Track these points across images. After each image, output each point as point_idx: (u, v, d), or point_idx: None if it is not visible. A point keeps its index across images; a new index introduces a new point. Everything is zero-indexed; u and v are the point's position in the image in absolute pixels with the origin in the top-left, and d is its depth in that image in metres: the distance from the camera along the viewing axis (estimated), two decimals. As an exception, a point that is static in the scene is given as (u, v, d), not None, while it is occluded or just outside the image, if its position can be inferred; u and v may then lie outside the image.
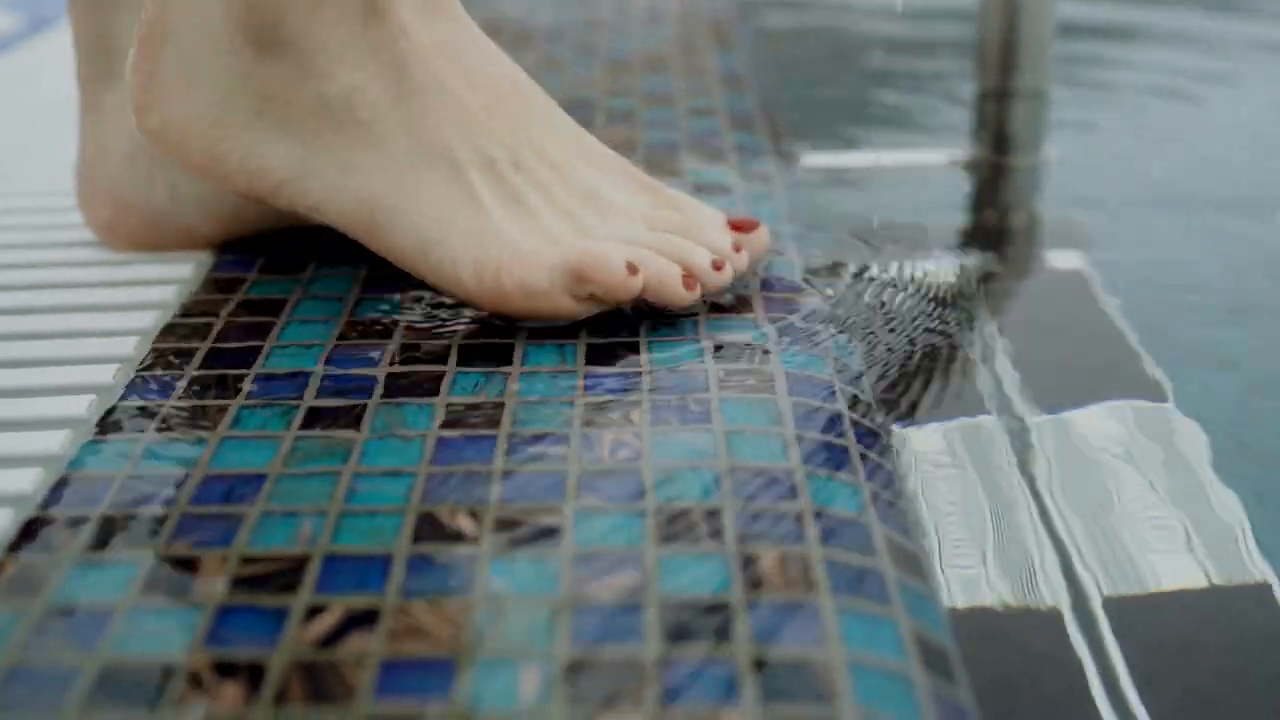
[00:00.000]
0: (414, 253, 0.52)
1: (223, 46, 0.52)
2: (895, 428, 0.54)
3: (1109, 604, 0.44)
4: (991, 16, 0.90)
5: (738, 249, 0.57)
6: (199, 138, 0.53)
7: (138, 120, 0.54)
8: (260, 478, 0.45)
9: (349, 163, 0.52)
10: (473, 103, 0.53)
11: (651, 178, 0.61)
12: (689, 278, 0.54)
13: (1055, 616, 0.43)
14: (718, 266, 0.55)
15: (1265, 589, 0.45)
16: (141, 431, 0.47)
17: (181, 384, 0.51)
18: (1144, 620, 0.43)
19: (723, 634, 0.37)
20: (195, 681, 0.35)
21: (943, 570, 0.45)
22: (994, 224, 0.76)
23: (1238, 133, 0.89)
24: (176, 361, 0.53)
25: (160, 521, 0.42)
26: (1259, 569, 0.46)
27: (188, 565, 0.40)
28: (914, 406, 0.56)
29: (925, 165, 0.83)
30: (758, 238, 0.58)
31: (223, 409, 0.49)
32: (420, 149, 0.52)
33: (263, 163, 0.53)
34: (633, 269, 0.52)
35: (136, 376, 0.51)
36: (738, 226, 0.59)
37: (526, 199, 0.53)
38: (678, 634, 0.37)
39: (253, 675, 0.35)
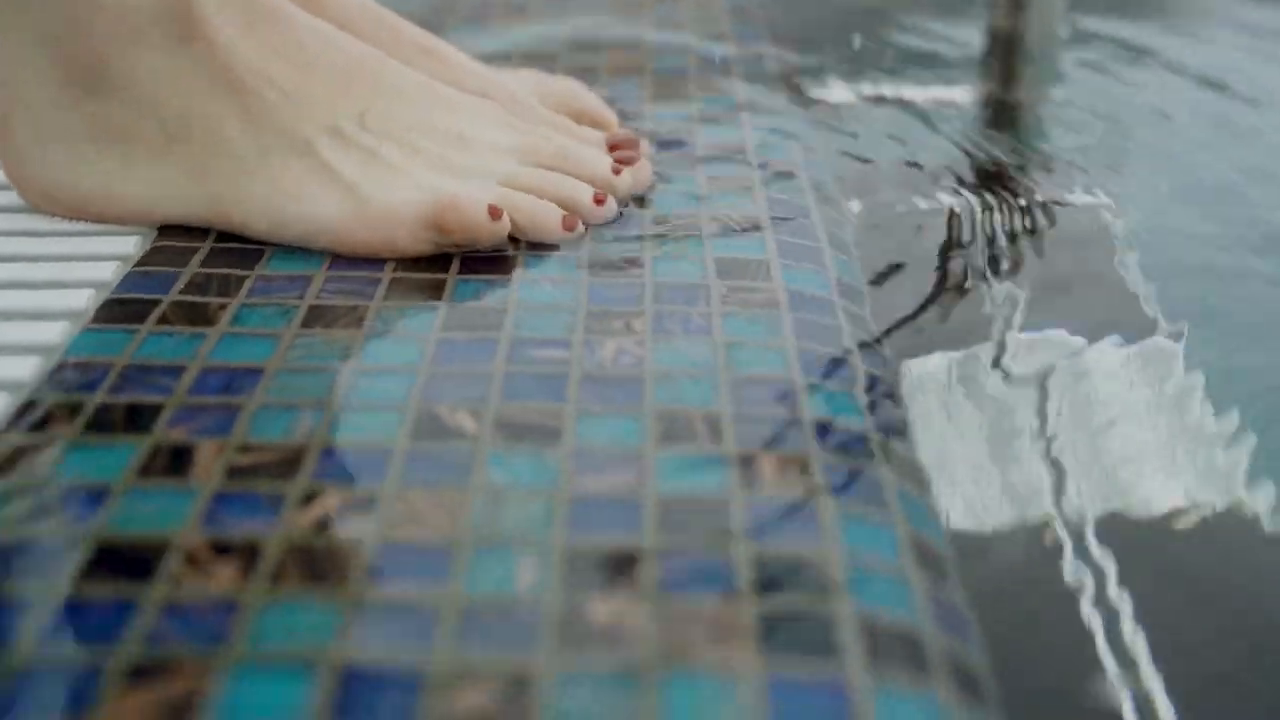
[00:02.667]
0: (277, 232, 0.53)
1: (60, 100, 0.53)
2: (896, 347, 0.54)
3: (1100, 526, 0.44)
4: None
5: (618, 172, 0.57)
6: (69, 191, 0.54)
7: (21, 195, 0.55)
8: (259, 372, 0.44)
9: (199, 173, 0.53)
10: (309, 89, 0.53)
11: (539, 106, 0.62)
12: (569, 216, 0.54)
13: (1050, 536, 0.43)
14: (599, 200, 0.55)
15: (1255, 521, 0.45)
16: (140, 322, 0.47)
17: (182, 280, 0.50)
18: (1134, 544, 0.43)
19: (721, 530, 0.37)
20: (191, 560, 0.35)
21: (939, 482, 0.45)
22: (1004, 160, 0.76)
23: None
24: (178, 259, 0.52)
25: (157, 409, 0.42)
26: (1249, 500, 0.46)
27: (185, 452, 0.40)
28: (916, 330, 0.56)
29: (936, 100, 0.83)
30: (640, 169, 0.59)
31: (223, 306, 0.49)
32: (263, 142, 0.52)
33: (124, 198, 0.54)
34: (495, 212, 0.52)
35: (136, 271, 0.51)
36: (616, 146, 0.60)
37: (383, 154, 0.53)
38: (675, 527, 0.37)
39: (248, 556, 0.35)
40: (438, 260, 0.53)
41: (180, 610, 0.33)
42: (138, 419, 0.41)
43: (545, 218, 0.54)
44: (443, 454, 0.40)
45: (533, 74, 0.68)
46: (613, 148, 0.61)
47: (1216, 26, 1.02)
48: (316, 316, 0.48)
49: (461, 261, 0.53)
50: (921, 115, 0.80)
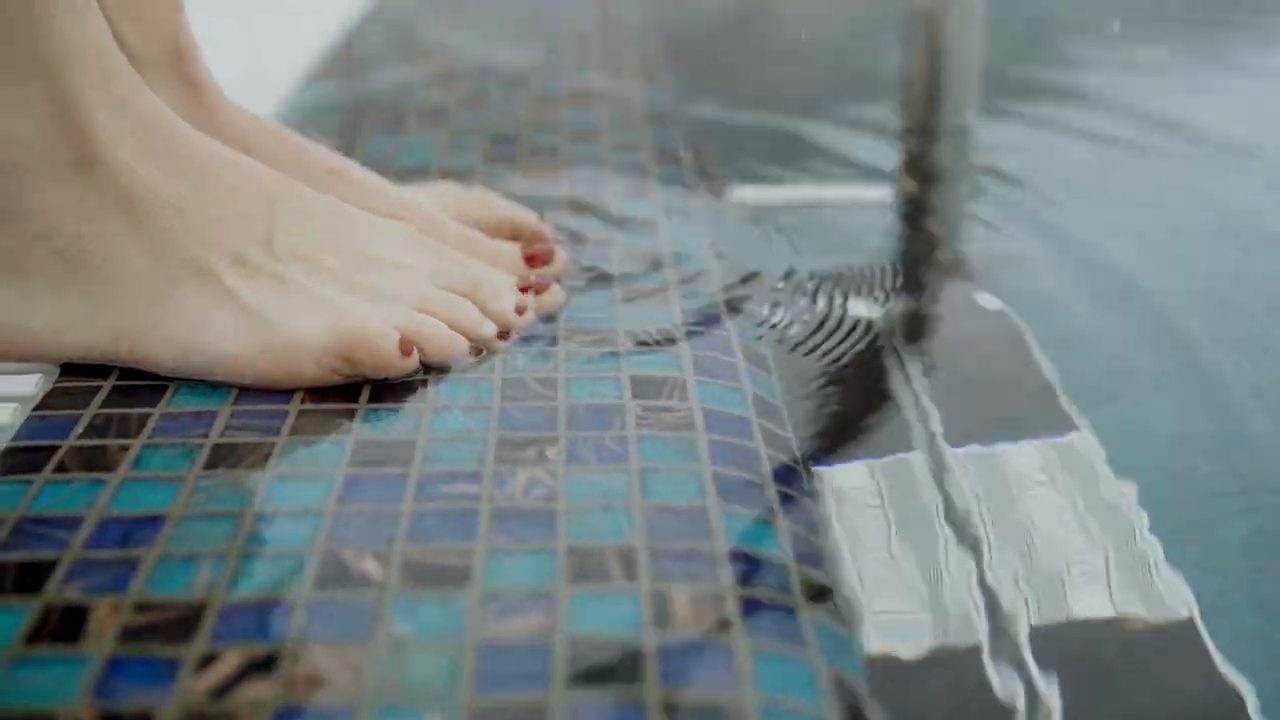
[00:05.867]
0: (175, 364, 0.52)
1: None
2: (816, 465, 0.53)
3: (1034, 636, 0.43)
4: (916, 54, 0.90)
5: (521, 311, 0.57)
6: None
7: None
8: (160, 519, 0.43)
9: (101, 304, 0.52)
10: (213, 214, 0.52)
11: (456, 225, 0.62)
12: (475, 345, 0.54)
13: (977, 652, 0.43)
14: (503, 336, 0.56)
15: (1188, 623, 0.44)
16: (36, 472, 0.46)
17: (82, 423, 0.49)
18: (1067, 651, 0.43)
19: (633, 675, 0.36)
20: (80, 734, 0.34)
21: (863, 610, 0.45)
22: (917, 260, 0.76)
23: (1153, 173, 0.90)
24: (78, 400, 0.51)
25: (51, 566, 0.40)
26: (1179, 599, 0.46)
27: (78, 613, 0.38)
28: (836, 442, 0.55)
29: (851, 200, 0.83)
30: (549, 296, 0.59)
31: (124, 448, 0.47)
32: (165, 270, 0.51)
33: (26, 334, 0.52)
34: (406, 347, 0.52)
35: (34, 415, 0.50)
36: (533, 259, 0.61)
37: (290, 278, 0.52)
38: (586, 676, 0.36)
39: (141, 727, 0.34)
40: (347, 389, 0.52)
41: (67, 792, 0.32)
42: (29, 578, 0.40)
43: (454, 348, 0.53)
44: (348, 604, 0.39)
45: (448, 187, 0.68)
46: (529, 259, 0.61)
47: (1118, 107, 1.03)
48: (221, 456, 0.47)
49: (371, 390, 0.52)
50: (839, 217, 0.80)
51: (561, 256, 0.62)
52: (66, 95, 0.50)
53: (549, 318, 0.58)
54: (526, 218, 0.66)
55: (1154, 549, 0.49)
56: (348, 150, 0.79)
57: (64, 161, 0.51)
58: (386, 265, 0.55)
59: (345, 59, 1.07)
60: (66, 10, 0.50)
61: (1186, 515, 0.52)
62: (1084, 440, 0.56)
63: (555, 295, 0.59)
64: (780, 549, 0.43)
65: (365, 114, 0.91)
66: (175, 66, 0.61)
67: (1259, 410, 0.59)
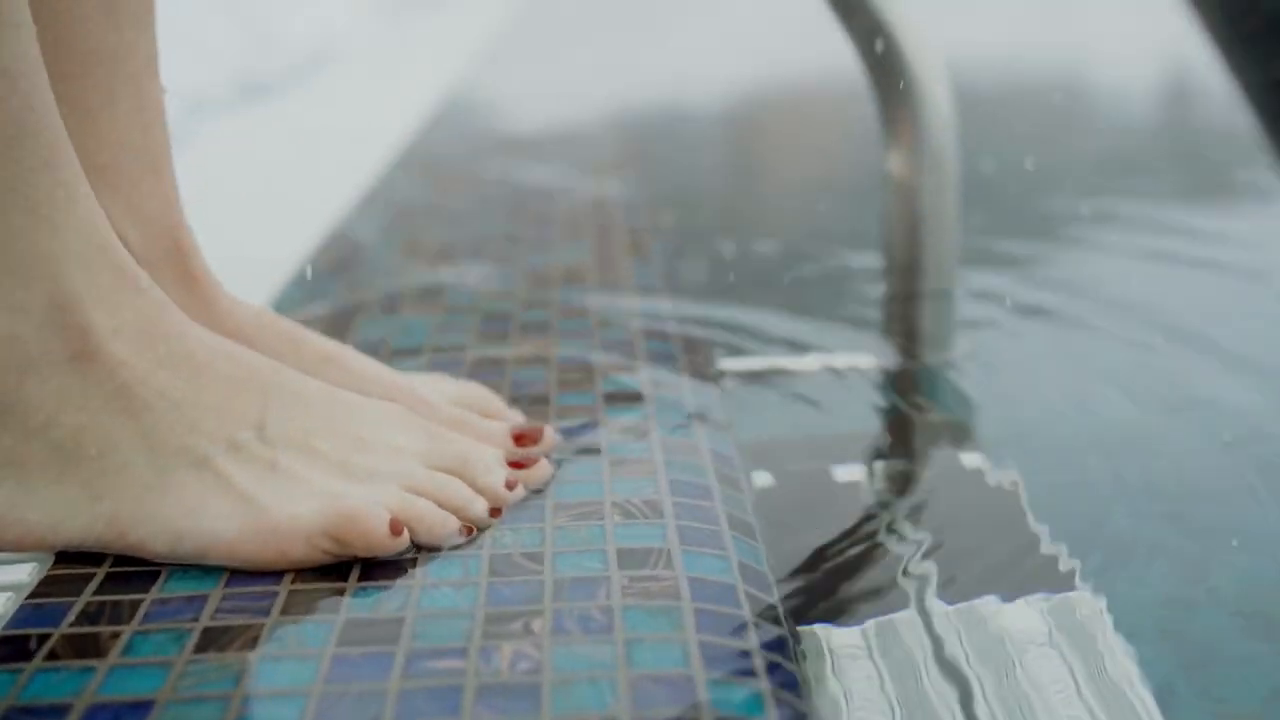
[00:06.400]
0: (168, 550, 0.53)
1: None
2: (807, 629, 0.54)
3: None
4: (895, 222, 0.93)
5: (511, 487, 0.58)
6: None
7: None
8: (148, 705, 0.43)
9: (94, 492, 0.53)
10: (208, 403, 0.54)
11: (449, 406, 0.63)
12: (466, 525, 0.55)
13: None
14: (494, 514, 0.56)
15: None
16: (28, 660, 0.46)
17: (74, 610, 0.50)
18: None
19: None
20: None
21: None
22: (905, 425, 0.77)
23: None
24: (71, 588, 0.51)
25: (39, 755, 0.41)
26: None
27: (65, 800, 0.39)
28: (825, 605, 0.56)
29: (835, 368, 0.84)
30: (538, 470, 0.60)
31: (116, 635, 0.48)
32: (160, 459, 0.53)
33: (22, 524, 0.53)
34: (396, 528, 0.52)
35: (27, 604, 0.50)
36: (521, 438, 0.61)
37: (282, 464, 0.53)
38: None
39: None
40: (337, 569, 0.52)
41: None
42: (16, 768, 0.40)
43: (444, 528, 0.54)
44: (332, 785, 0.39)
45: (441, 378, 0.69)
46: (517, 438, 0.62)
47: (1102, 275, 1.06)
48: (211, 640, 0.47)
49: (361, 568, 0.52)
50: (826, 382, 0.82)
51: (551, 435, 0.63)
52: (68, 294, 0.52)
53: (537, 491, 0.59)
54: (516, 419, 0.67)
55: (1152, 706, 0.49)
56: (341, 335, 0.81)
57: (62, 357, 0.53)
58: (379, 447, 0.56)
59: (339, 247, 1.10)
60: (68, 210, 0.52)
61: (1190, 667, 0.52)
62: (1081, 599, 0.56)
63: (544, 470, 0.60)
64: (765, 715, 0.43)
65: (359, 299, 0.93)
66: (175, 263, 0.63)
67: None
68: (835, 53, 1.01)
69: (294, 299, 0.92)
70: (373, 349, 0.73)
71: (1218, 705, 0.50)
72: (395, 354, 0.78)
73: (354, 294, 0.94)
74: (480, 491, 0.56)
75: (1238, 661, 0.53)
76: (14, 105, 0.50)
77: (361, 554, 0.52)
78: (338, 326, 0.83)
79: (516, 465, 0.59)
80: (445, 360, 0.77)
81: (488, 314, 0.88)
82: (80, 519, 0.53)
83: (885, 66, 0.88)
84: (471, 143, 1.70)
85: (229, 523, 0.52)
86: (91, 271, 0.53)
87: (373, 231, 1.16)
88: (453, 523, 0.54)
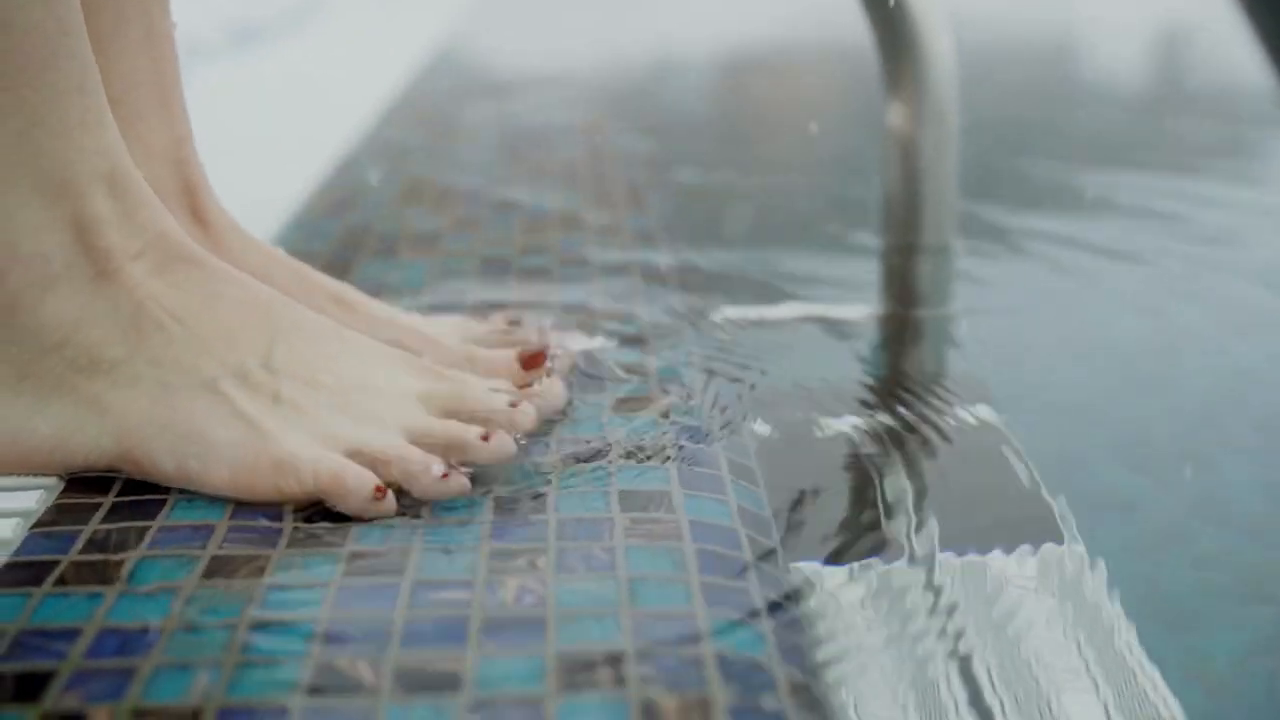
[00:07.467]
0: (174, 473, 0.53)
1: None
2: (805, 570, 0.54)
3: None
4: (893, 175, 0.93)
5: (515, 405, 0.57)
6: None
7: None
8: (157, 630, 0.44)
9: (102, 407, 0.53)
10: (216, 328, 0.54)
11: (457, 344, 0.63)
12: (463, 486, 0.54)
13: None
14: (485, 438, 0.55)
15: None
16: (37, 585, 0.47)
17: (82, 538, 0.50)
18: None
19: (621, 779, 0.36)
20: (78, 839, 0.34)
21: (854, 715, 0.45)
22: (902, 377, 0.78)
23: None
24: (80, 516, 0.52)
25: (49, 676, 0.41)
26: (1168, 708, 0.46)
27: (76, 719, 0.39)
28: (823, 549, 0.56)
29: (835, 319, 0.85)
30: (550, 390, 0.60)
31: (122, 561, 0.48)
32: (169, 379, 0.53)
33: (34, 435, 0.54)
34: (380, 492, 0.52)
35: (36, 531, 0.51)
36: (527, 361, 0.61)
37: (286, 395, 0.54)
38: (575, 780, 0.36)
39: (138, 831, 0.34)
40: (342, 505, 0.53)
41: None
42: (28, 688, 0.41)
43: (440, 487, 0.53)
44: (340, 711, 0.39)
45: (458, 320, 0.69)
46: (524, 362, 0.61)
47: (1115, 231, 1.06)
48: (218, 567, 0.48)
49: (366, 504, 0.53)
50: (823, 334, 0.82)
51: (559, 350, 0.62)
52: (92, 215, 0.53)
53: (544, 433, 0.59)
54: (538, 342, 0.66)
55: (1140, 657, 0.50)
56: (342, 276, 0.81)
57: (84, 276, 0.53)
58: (383, 389, 0.56)
59: (340, 189, 1.10)
60: (97, 134, 0.53)
61: (1174, 622, 0.53)
62: (1069, 548, 0.57)
63: (555, 389, 0.60)
64: (766, 653, 0.44)
65: (360, 242, 0.93)
66: (184, 199, 0.64)
67: (1259, 515, 0.60)
68: (834, 5, 1.01)
69: (290, 242, 0.92)
70: (373, 292, 0.73)
71: (1202, 663, 0.51)
72: (393, 295, 0.79)
73: (351, 237, 0.94)
74: (485, 422, 0.56)
75: (1219, 617, 0.54)
76: (49, 29, 0.51)
77: (347, 513, 0.52)
78: (337, 270, 0.83)
79: (525, 387, 0.59)
80: (445, 305, 0.77)
81: (486, 259, 0.88)
82: (88, 431, 0.53)
83: (889, 17, 0.88)
84: (464, 87, 1.69)
85: (232, 449, 0.52)
86: (114, 196, 0.53)
87: (369, 176, 1.16)
88: (455, 483, 0.54)
